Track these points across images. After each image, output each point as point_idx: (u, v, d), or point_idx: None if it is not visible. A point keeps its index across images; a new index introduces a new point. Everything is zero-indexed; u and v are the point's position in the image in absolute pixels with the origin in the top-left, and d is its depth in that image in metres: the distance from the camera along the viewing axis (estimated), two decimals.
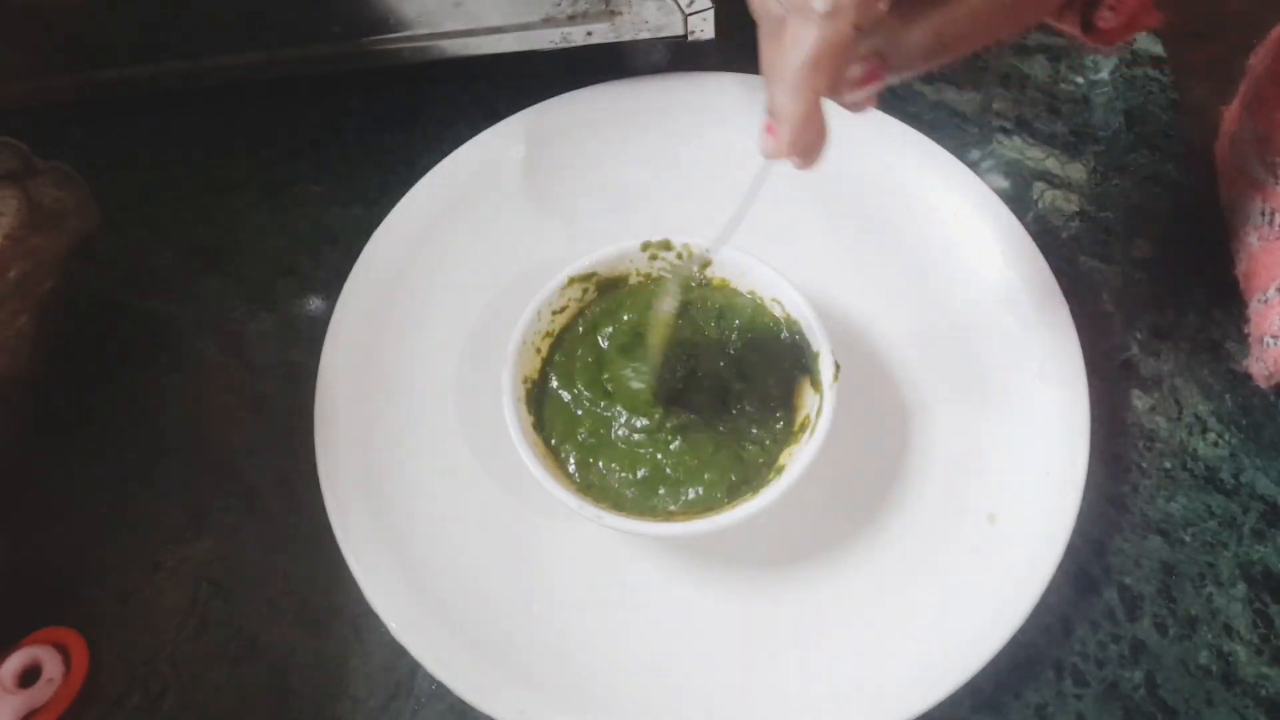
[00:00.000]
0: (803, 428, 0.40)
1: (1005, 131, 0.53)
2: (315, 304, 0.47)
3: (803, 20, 0.29)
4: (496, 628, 0.39)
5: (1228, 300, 0.46)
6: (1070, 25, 0.38)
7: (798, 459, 0.38)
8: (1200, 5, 0.56)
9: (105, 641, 0.39)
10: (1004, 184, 0.51)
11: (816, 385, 0.40)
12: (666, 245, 0.42)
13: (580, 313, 0.43)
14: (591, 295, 0.43)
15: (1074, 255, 0.48)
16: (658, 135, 0.50)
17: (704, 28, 0.49)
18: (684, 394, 0.41)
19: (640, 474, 0.39)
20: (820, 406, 0.39)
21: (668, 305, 0.39)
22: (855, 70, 0.31)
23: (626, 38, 0.49)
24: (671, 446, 0.40)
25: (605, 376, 0.41)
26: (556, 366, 0.42)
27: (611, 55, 0.51)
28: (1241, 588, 0.40)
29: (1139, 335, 0.46)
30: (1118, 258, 0.49)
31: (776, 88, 0.30)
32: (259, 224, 0.50)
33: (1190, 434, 0.44)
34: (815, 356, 0.40)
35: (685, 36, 0.49)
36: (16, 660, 0.37)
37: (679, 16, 0.48)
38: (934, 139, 0.49)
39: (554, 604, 0.40)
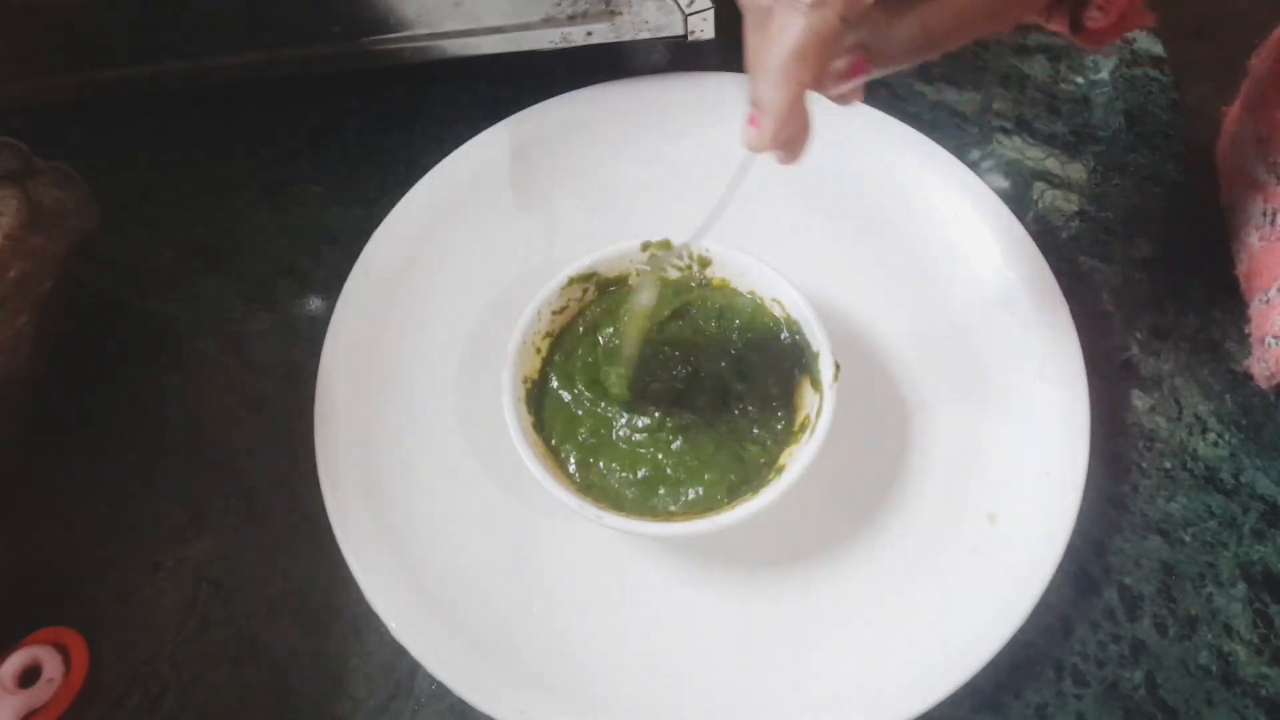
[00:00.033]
0: (803, 428, 0.40)
1: (1005, 131, 0.53)
2: (315, 304, 0.47)
3: (789, 10, 0.29)
4: (496, 628, 0.39)
5: (1228, 300, 0.46)
6: (1059, 25, 0.38)
7: (798, 459, 0.38)
8: (1201, 5, 0.56)
9: (105, 641, 0.39)
10: (1004, 184, 0.51)
11: (816, 385, 0.40)
12: (666, 245, 0.42)
13: (580, 313, 0.43)
14: (591, 295, 0.43)
15: (1074, 255, 0.48)
16: (658, 135, 0.50)
17: (704, 28, 0.49)
18: (685, 394, 0.41)
19: (640, 474, 0.39)
20: (820, 406, 0.39)
21: (645, 299, 0.39)
22: (840, 63, 0.31)
23: (626, 38, 0.49)
24: (673, 446, 0.40)
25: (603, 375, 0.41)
26: (556, 366, 0.42)
27: (611, 55, 0.51)
28: (1241, 588, 0.40)
29: (1139, 335, 0.46)
30: (1118, 258, 0.49)
31: (760, 79, 0.30)
32: (259, 224, 0.50)
33: (1190, 434, 0.44)
34: (815, 356, 0.40)
35: (685, 36, 0.49)
36: (16, 660, 0.37)
37: (679, 16, 0.48)
38: (934, 139, 0.49)
39: (554, 604, 0.40)
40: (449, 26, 0.48)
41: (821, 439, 0.38)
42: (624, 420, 0.40)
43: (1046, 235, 0.48)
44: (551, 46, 0.49)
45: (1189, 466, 0.43)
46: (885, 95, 0.53)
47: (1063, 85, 0.54)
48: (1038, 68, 0.55)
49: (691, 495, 0.39)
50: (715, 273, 0.43)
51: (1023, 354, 0.44)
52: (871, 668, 0.38)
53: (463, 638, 0.38)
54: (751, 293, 0.43)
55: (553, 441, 0.40)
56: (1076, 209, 0.50)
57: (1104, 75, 0.55)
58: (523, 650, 0.38)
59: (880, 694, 0.37)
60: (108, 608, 0.40)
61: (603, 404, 0.41)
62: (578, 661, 0.38)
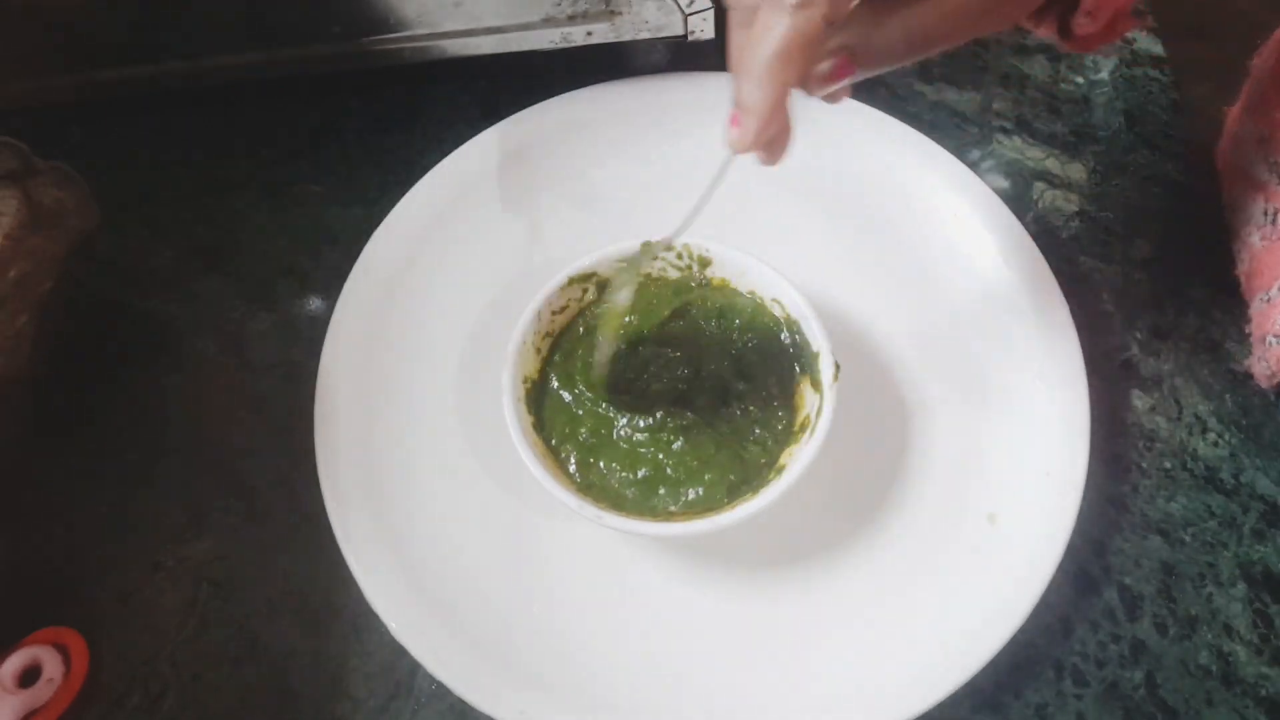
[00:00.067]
0: (803, 428, 0.40)
1: (1005, 131, 0.53)
2: (315, 304, 0.47)
3: (774, 10, 0.29)
4: (496, 628, 0.39)
5: (1228, 300, 0.46)
6: (1048, 30, 0.38)
7: (798, 459, 0.38)
8: (1201, 5, 0.56)
9: (105, 641, 0.39)
10: (1004, 184, 0.51)
11: (816, 385, 0.40)
12: (667, 245, 0.42)
13: (580, 313, 0.43)
14: (591, 295, 0.43)
15: (1074, 255, 0.48)
16: (657, 135, 0.50)
17: (704, 28, 0.49)
18: (686, 394, 0.41)
19: (641, 474, 0.39)
20: (820, 406, 0.39)
21: (622, 297, 0.39)
22: (825, 65, 0.31)
23: (626, 38, 0.49)
24: (673, 447, 0.40)
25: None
26: (556, 366, 0.42)
27: (611, 55, 0.51)
28: (1241, 588, 0.40)
29: (1139, 335, 0.46)
30: (1118, 258, 0.49)
31: (744, 79, 0.30)
32: (259, 224, 0.50)
33: (1190, 434, 0.44)
34: (815, 356, 0.40)
35: (685, 36, 0.49)
36: (16, 660, 0.37)
37: (679, 16, 0.48)
38: (934, 139, 0.49)
39: (554, 604, 0.40)
40: (449, 26, 0.48)
41: (821, 439, 0.38)
42: (625, 420, 0.40)
43: (1046, 235, 0.48)
44: (551, 46, 0.49)
45: (1189, 466, 0.43)
46: (885, 95, 0.53)
47: (1063, 85, 0.54)
48: (1038, 68, 0.55)
49: (691, 495, 0.39)
50: (715, 273, 0.43)
51: (1023, 354, 0.44)
52: (871, 668, 0.38)
53: (463, 638, 0.38)
54: (751, 293, 0.43)
55: (553, 441, 0.40)
56: (1076, 209, 0.50)
57: (1104, 75, 0.55)
58: (523, 650, 0.38)
59: (880, 694, 0.37)
60: (108, 608, 0.40)
61: (603, 404, 0.41)
62: (578, 661, 0.38)
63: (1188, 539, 0.42)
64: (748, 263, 0.42)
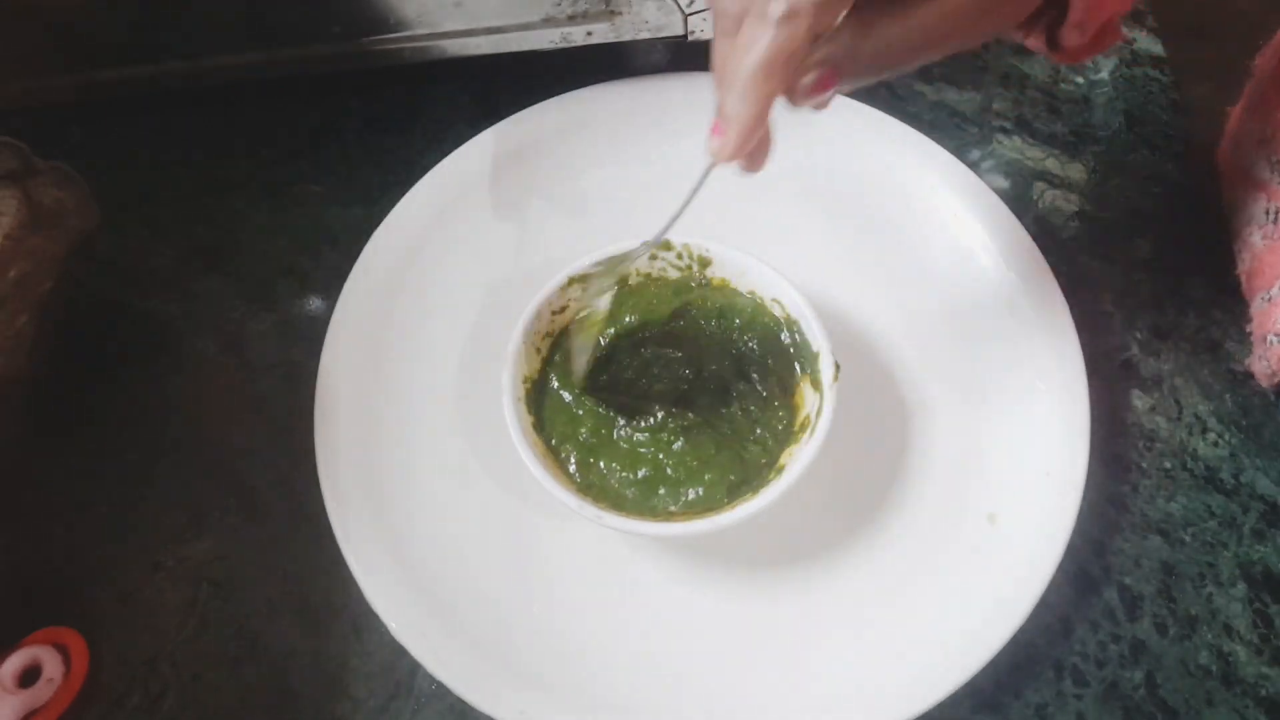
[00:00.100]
0: (803, 428, 0.40)
1: (1005, 131, 0.53)
2: (315, 304, 0.47)
3: (758, 22, 0.29)
4: (496, 628, 0.39)
5: (1228, 300, 0.46)
6: (1036, 41, 0.38)
7: (798, 459, 0.38)
8: (1201, 5, 0.56)
9: (105, 641, 0.39)
10: (1004, 184, 0.51)
11: (816, 385, 0.40)
12: (666, 245, 0.43)
13: (580, 313, 0.43)
14: None
15: (1074, 255, 0.48)
16: (657, 135, 0.50)
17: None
18: (687, 394, 0.41)
19: (641, 474, 0.39)
20: (820, 406, 0.39)
21: (601, 305, 0.39)
22: (809, 78, 0.31)
23: (626, 38, 0.49)
24: (674, 447, 0.40)
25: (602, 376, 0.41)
26: (556, 367, 0.42)
27: (611, 55, 0.51)
28: (1241, 588, 0.40)
29: (1139, 335, 0.46)
30: (1118, 258, 0.49)
31: (727, 90, 0.30)
32: (259, 224, 0.50)
33: (1190, 434, 0.44)
34: (815, 356, 0.40)
35: (685, 36, 0.49)
36: (16, 660, 0.37)
37: (679, 16, 0.48)
38: (934, 139, 0.49)
39: (554, 604, 0.40)
40: (449, 26, 0.48)
41: (821, 439, 0.38)
42: (625, 420, 0.40)
43: (1046, 235, 0.48)
44: (551, 46, 0.49)
45: (1189, 466, 0.43)
46: (885, 95, 0.53)
47: (1063, 85, 0.54)
48: (1038, 68, 0.55)
49: (692, 495, 0.39)
50: (715, 273, 0.43)
51: (1023, 354, 0.44)
52: (871, 668, 0.38)
53: (463, 638, 0.38)
54: (751, 293, 0.43)
55: (553, 441, 0.40)
56: (1076, 209, 0.50)
57: (1104, 75, 0.55)
58: (523, 650, 0.38)
59: (880, 694, 0.37)
60: (108, 608, 0.40)
61: (602, 406, 0.41)
62: (578, 661, 0.38)
63: (1188, 539, 0.42)
64: (748, 263, 0.42)
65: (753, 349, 0.42)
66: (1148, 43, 0.56)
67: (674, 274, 0.44)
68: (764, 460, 0.40)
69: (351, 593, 0.39)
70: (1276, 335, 0.42)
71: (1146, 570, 0.41)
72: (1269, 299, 0.43)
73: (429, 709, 0.38)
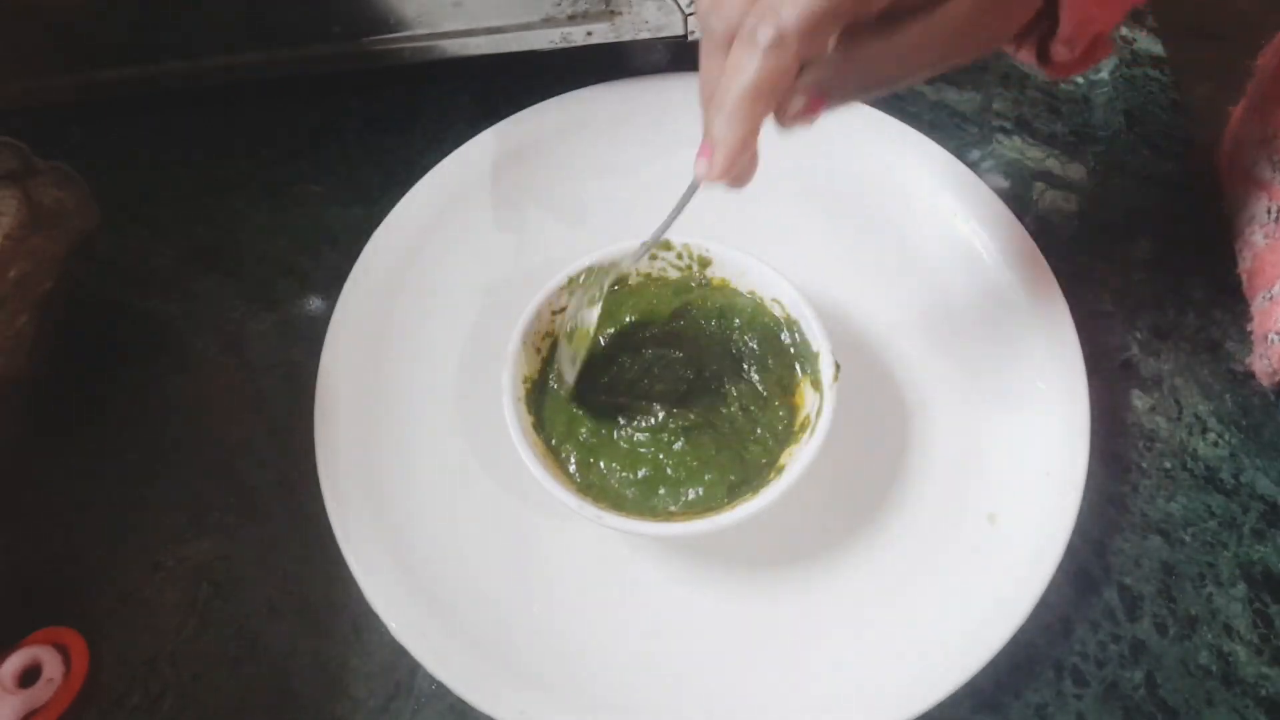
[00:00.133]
0: (803, 428, 0.40)
1: (1005, 131, 0.53)
2: (315, 304, 0.47)
3: (746, 48, 0.29)
4: (496, 628, 0.39)
5: (1228, 300, 0.46)
6: (1027, 56, 0.38)
7: (798, 459, 0.38)
8: (1201, 5, 0.56)
9: (105, 641, 0.39)
10: (1004, 184, 0.51)
11: (816, 385, 0.40)
12: (666, 245, 0.43)
13: (567, 324, 0.43)
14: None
15: (1074, 255, 0.48)
16: (657, 135, 0.50)
17: None
18: (687, 394, 0.41)
19: (641, 474, 0.39)
20: (820, 406, 0.39)
21: (590, 318, 0.39)
22: (798, 102, 0.31)
23: (626, 38, 0.49)
24: (674, 447, 0.40)
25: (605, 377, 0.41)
26: (556, 367, 0.42)
27: (611, 55, 0.51)
28: (1241, 588, 0.40)
29: (1139, 335, 0.46)
30: (1118, 258, 0.49)
31: (715, 114, 0.30)
32: (259, 224, 0.50)
33: (1190, 434, 0.44)
34: (815, 356, 0.40)
35: (685, 36, 0.49)
36: (16, 660, 0.37)
37: (679, 16, 0.48)
38: (934, 139, 0.49)
39: (554, 604, 0.40)
40: (449, 26, 0.48)
41: (821, 439, 0.38)
42: (625, 421, 0.40)
43: (1046, 235, 0.47)
44: (551, 46, 0.49)
45: (1189, 466, 0.43)
46: (885, 95, 0.53)
47: (1063, 85, 0.54)
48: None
49: (691, 495, 0.39)
50: (715, 273, 0.43)
51: (1023, 354, 0.44)
52: (871, 668, 0.38)
53: (463, 638, 0.38)
54: (751, 292, 0.43)
55: (553, 441, 0.40)
56: (1076, 209, 0.50)
57: (1104, 75, 0.55)
58: (523, 650, 0.38)
59: (880, 694, 0.37)
60: (108, 608, 0.40)
61: (598, 408, 0.41)
62: (578, 661, 0.38)
63: (1188, 539, 0.42)
64: (748, 263, 0.42)
65: (753, 349, 0.42)
66: (1148, 43, 0.56)
67: (674, 274, 0.44)
68: (764, 460, 0.40)
69: (351, 593, 0.39)
70: (1278, 334, 0.42)
71: (1146, 570, 0.41)
72: (1271, 297, 0.43)
73: (429, 709, 0.38)
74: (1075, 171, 0.51)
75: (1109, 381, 0.45)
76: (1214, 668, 0.39)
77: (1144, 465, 0.43)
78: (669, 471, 0.39)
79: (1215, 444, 0.44)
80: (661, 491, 0.39)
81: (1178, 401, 0.45)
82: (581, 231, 0.48)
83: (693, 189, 0.34)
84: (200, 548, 0.42)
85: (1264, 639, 0.39)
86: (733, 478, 0.39)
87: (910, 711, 0.36)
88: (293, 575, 0.41)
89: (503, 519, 0.41)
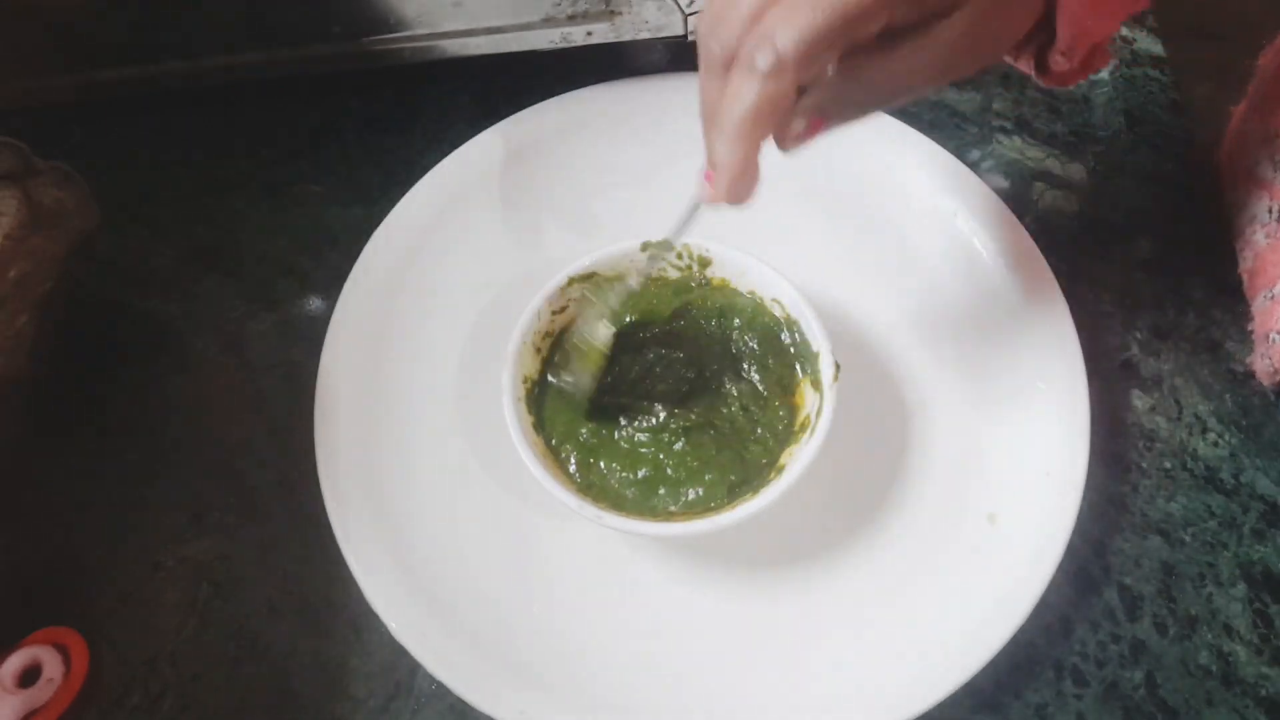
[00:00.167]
0: (803, 427, 0.40)
1: (1005, 131, 0.53)
2: (315, 304, 0.47)
3: (746, 74, 0.29)
4: (496, 628, 0.39)
5: (1228, 300, 0.46)
6: (1025, 65, 0.38)
7: (798, 459, 0.38)
8: (1201, 5, 0.56)
9: (105, 641, 0.39)
10: (1004, 184, 0.51)
11: (816, 385, 0.40)
12: (667, 245, 0.42)
13: (574, 338, 0.43)
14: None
15: (1074, 255, 0.48)
16: (657, 135, 0.50)
17: None
18: (687, 394, 0.41)
19: (641, 474, 0.39)
20: (820, 406, 0.39)
21: (602, 333, 0.39)
22: (798, 125, 0.31)
23: (626, 38, 0.49)
24: (674, 447, 0.40)
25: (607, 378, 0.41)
26: (556, 367, 0.42)
27: (611, 55, 0.51)
28: (1241, 588, 0.40)
29: (1139, 335, 0.46)
30: (1118, 258, 0.49)
31: (716, 138, 0.30)
32: (259, 224, 0.50)
33: (1190, 434, 0.44)
34: (815, 356, 0.40)
35: (685, 36, 0.49)
36: (16, 660, 0.37)
37: (679, 16, 0.48)
38: (934, 139, 0.49)
39: (554, 604, 0.40)
40: (449, 26, 0.48)
41: (821, 439, 0.38)
42: (626, 421, 0.40)
43: (1046, 235, 0.47)
44: (551, 46, 0.49)
45: (1189, 466, 0.43)
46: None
47: None
48: None
49: (692, 495, 0.39)
50: (715, 273, 0.43)
51: (1023, 354, 0.44)
52: (871, 668, 0.38)
53: (463, 638, 0.38)
54: (751, 292, 0.43)
55: (553, 441, 0.40)
56: (1076, 209, 0.50)
57: (1104, 75, 0.55)
58: (523, 650, 0.38)
59: (880, 694, 0.37)
60: (108, 608, 0.40)
61: (603, 405, 0.41)
62: (578, 661, 0.38)
63: (1188, 539, 0.42)
64: (748, 263, 0.42)
65: (753, 349, 0.42)
66: (1148, 43, 0.56)
67: (674, 274, 0.44)
68: (764, 460, 0.40)
69: (351, 593, 0.39)
70: (1278, 333, 0.42)
71: (1146, 570, 0.41)
72: (1272, 297, 0.43)
73: (429, 709, 0.38)
74: (1075, 171, 0.51)
75: (1109, 381, 0.45)
76: (1214, 668, 0.39)
77: (1144, 465, 0.43)
78: (669, 471, 0.39)
79: (1215, 444, 0.44)
80: (662, 491, 0.39)
81: (1178, 401, 0.45)
82: (581, 231, 0.48)
83: (696, 207, 0.35)
84: (200, 548, 0.42)
85: (1264, 639, 0.39)
86: (733, 478, 0.39)
87: (910, 711, 0.36)
88: (293, 575, 0.41)
89: (503, 519, 0.41)
